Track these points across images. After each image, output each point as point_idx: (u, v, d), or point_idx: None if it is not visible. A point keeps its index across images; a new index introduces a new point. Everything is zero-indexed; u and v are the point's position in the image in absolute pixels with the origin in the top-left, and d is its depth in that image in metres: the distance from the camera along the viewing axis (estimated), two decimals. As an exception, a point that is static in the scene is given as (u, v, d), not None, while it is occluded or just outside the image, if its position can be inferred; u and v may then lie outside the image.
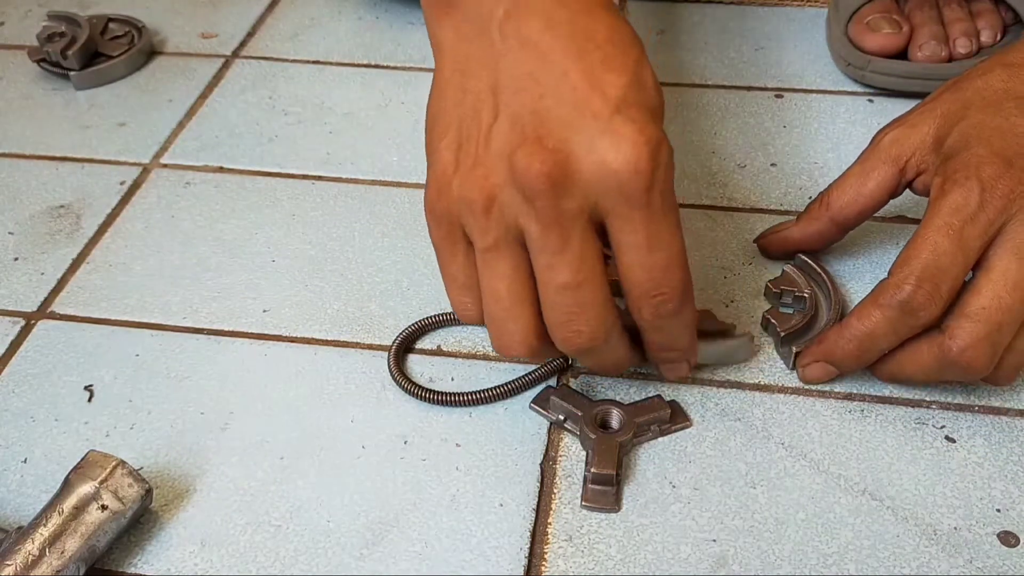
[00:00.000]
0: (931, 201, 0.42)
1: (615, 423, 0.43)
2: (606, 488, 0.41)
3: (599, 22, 0.37)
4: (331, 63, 0.70)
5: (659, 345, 0.42)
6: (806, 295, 0.48)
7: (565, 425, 0.44)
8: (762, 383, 0.46)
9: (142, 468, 0.43)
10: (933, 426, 0.44)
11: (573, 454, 0.43)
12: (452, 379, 0.47)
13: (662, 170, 0.36)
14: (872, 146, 0.47)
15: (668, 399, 0.45)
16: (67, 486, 0.38)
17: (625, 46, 0.37)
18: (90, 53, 0.69)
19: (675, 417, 0.44)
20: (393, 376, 0.46)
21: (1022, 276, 0.39)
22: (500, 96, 0.37)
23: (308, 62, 0.70)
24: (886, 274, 0.42)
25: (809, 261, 0.49)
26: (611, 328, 0.39)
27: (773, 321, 0.47)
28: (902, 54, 0.63)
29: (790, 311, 0.49)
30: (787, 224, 0.50)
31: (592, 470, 0.41)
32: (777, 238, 0.51)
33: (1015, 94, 0.43)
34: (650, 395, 0.45)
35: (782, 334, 0.46)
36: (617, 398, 0.45)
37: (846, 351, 0.43)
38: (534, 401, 0.45)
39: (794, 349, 0.46)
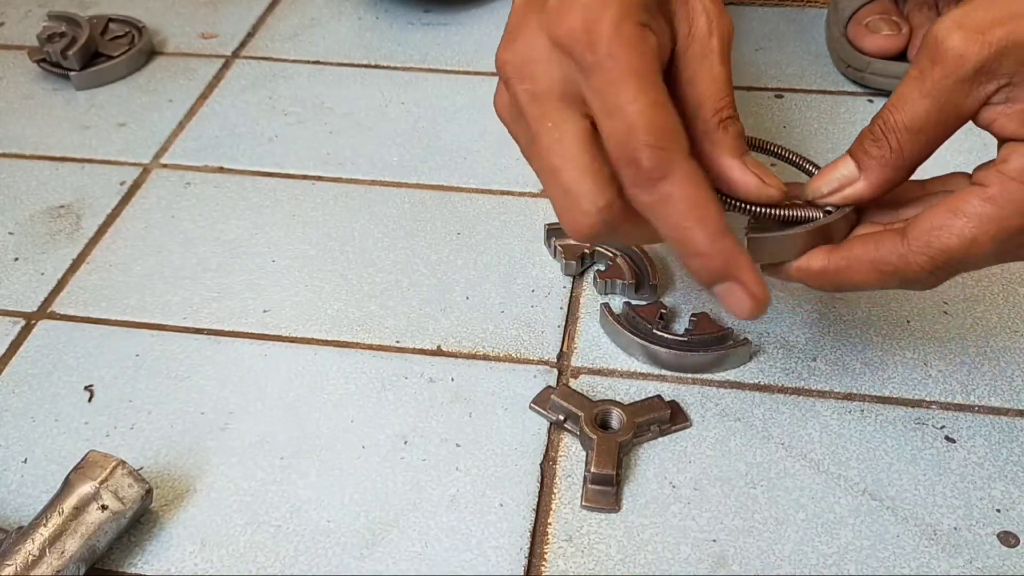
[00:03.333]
0: (1002, 173, 0.34)
1: (615, 423, 0.43)
2: (606, 488, 0.41)
3: None
4: (331, 63, 0.70)
5: (669, 237, 0.36)
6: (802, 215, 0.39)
7: (565, 425, 0.44)
8: (762, 383, 0.46)
9: (142, 468, 0.43)
10: (933, 426, 0.44)
11: (573, 454, 0.43)
12: (452, 379, 0.47)
13: (607, 27, 0.33)
14: (947, 66, 0.33)
15: (668, 399, 0.45)
16: (67, 486, 0.38)
17: None
18: (90, 53, 0.69)
19: (675, 417, 0.44)
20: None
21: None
22: None
23: (308, 62, 0.70)
24: None
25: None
26: (608, 211, 0.35)
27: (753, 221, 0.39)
28: (901, 55, 0.63)
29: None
30: (846, 179, 0.37)
31: (592, 470, 0.41)
32: (845, 199, 0.38)
33: None
34: (650, 395, 0.45)
35: (749, 226, 0.39)
36: (617, 398, 0.45)
37: (826, 287, 0.39)
38: (534, 401, 0.45)
39: (747, 235, 0.39)
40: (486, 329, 0.49)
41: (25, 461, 0.44)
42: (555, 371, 0.47)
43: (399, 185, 0.59)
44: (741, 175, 0.37)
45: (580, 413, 0.43)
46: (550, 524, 0.41)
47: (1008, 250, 0.34)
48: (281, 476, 0.43)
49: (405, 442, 0.44)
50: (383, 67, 0.70)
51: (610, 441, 0.42)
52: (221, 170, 0.61)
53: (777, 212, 0.38)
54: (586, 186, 0.35)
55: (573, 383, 0.46)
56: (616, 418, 0.44)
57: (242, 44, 0.72)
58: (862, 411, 0.45)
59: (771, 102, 0.64)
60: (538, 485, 0.42)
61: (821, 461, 0.43)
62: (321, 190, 0.59)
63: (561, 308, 0.50)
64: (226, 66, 0.70)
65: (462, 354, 0.48)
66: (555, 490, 0.42)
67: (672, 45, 0.36)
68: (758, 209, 0.38)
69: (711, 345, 0.47)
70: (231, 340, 0.49)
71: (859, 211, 0.39)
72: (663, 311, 0.48)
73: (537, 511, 0.41)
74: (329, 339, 0.49)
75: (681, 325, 0.49)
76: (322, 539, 0.41)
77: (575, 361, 0.48)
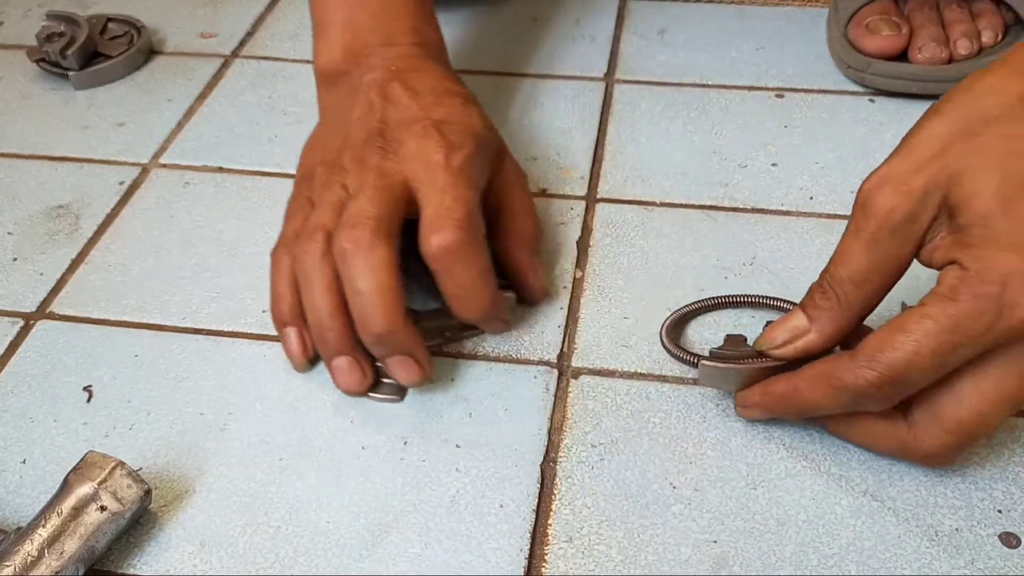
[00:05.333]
0: (938, 293, 0.36)
1: None
2: (392, 381, 0.45)
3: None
4: (331, 63, 0.70)
5: (358, 303, 0.43)
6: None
7: None
8: (763, 384, 0.46)
9: (141, 469, 0.43)
10: (934, 427, 0.44)
11: (574, 455, 0.43)
12: (452, 379, 0.47)
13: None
14: (879, 220, 0.37)
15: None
16: (66, 487, 0.38)
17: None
18: (89, 53, 0.68)
19: (467, 327, 0.48)
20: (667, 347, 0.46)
21: (1011, 394, 0.36)
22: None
23: (308, 62, 0.70)
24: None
25: None
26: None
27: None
28: (902, 55, 0.63)
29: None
30: (798, 330, 0.40)
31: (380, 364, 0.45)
32: (798, 350, 0.40)
33: None
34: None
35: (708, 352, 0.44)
36: (618, 398, 0.45)
37: (788, 411, 0.41)
38: None
39: (703, 362, 0.43)
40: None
41: (24, 462, 0.44)
42: (555, 371, 0.47)
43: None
44: (530, 272, 0.49)
45: None
46: (550, 525, 0.41)
47: (949, 362, 0.36)
48: (280, 477, 0.43)
49: (405, 443, 0.44)
50: (383, 67, 0.69)
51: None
52: (220, 170, 0.60)
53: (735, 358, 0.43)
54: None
55: (574, 383, 0.46)
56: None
57: (241, 43, 0.72)
58: (863, 412, 0.45)
59: (772, 102, 0.64)
60: (538, 486, 0.42)
61: (822, 462, 0.43)
62: (321, 190, 0.58)
63: (561, 308, 0.50)
64: (225, 66, 0.70)
65: (462, 354, 0.48)
66: (555, 491, 0.42)
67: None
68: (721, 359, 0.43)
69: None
70: (230, 340, 0.49)
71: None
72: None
73: (537, 512, 0.41)
74: (329, 339, 0.49)
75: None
76: (321, 540, 0.40)
77: (575, 361, 0.47)
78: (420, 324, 0.46)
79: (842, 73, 0.66)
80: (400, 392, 0.46)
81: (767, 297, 0.48)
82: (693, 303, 0.49)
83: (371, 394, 0.46)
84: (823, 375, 0.39)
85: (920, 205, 0.36)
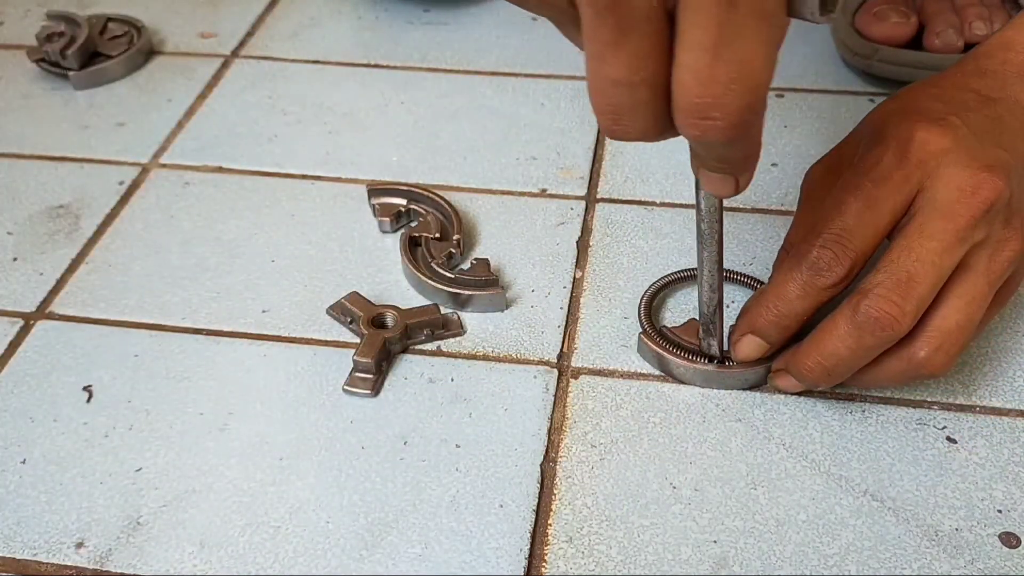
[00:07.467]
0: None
1: (389, 323, 0.48)
2: (367, 375, 0.46)
3: None
4: (331, 63, 0.70)
5: (701, 158, 0.35)
6: None
7: (351, 326, 0.49)
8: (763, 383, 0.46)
9: (140, 469, 0.43)
10: (934, 427, 0.44)
11: (574, 455, 0.43)
12: (452, 379, 0.47)
13: None
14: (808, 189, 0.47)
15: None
16: None
17: None
18: (89, 53, 0.68)
19: (448, 326, 0.49)
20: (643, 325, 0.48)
21: (936, 229, 0.39)
22: None
23: (308, 62, 0.70)
24: None
25: None
26: (659, 131, 0.32)
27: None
28: (908, 45, 0.63)
29: None
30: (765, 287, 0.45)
31: (356, 358, 0.46)
32: (762, 290, 0.45)
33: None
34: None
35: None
36: (618, 398, 0.45)
37: (766, 319, 0.43)
38: (330, 308, 0.50)
39: (641, 335, 0.47)
40: (486, 329, 0.49)
41: (24, 462, 0.44)
42: (555, 371, 0.47)
43: (399, 185, 0.58)
44: None
45: (361, 314, 0.48)
46: (550, 525, 0.41)
47: (881, 199, 0.40)
48: (280, 477, 0.43)
49: (405, 443, 0.44)
50: (383, 67, 0.69)
51: (377, 337, 0.46)
52: (220, 170, 0.60)
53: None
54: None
55: (574, 383, 0.46)
56: (391, 319, 0.48)
57: (241, 43, 0.72)
58: (863, 411, 0.45)
59: (772, 101, 0.64)
60: (538, 486, 0.42)
61: (822, 462, 0.43)
62: (321, 190, 0.59)
63: (561, 308, 0.50)
64: (225, 66, 0.70)
65: (462, 354, 0.48)
66: (555, 491, 0.42)
67: None
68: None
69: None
70: (230, 340, 0.49)
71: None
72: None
73: (537, 512, 0.41)
74: (328, 339, 0.49)
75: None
76: (321, 540, 0.40)
77: (575, 361, 0.47)
78: (404, 321, 0.48)
79: (846, 63, 0.66)
80: (375, 387, 0.46)
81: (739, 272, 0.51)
82: (672, 274, 0.51)
83: (346, 387, 0.46)
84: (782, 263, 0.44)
85: (844, 141, 0.46)
